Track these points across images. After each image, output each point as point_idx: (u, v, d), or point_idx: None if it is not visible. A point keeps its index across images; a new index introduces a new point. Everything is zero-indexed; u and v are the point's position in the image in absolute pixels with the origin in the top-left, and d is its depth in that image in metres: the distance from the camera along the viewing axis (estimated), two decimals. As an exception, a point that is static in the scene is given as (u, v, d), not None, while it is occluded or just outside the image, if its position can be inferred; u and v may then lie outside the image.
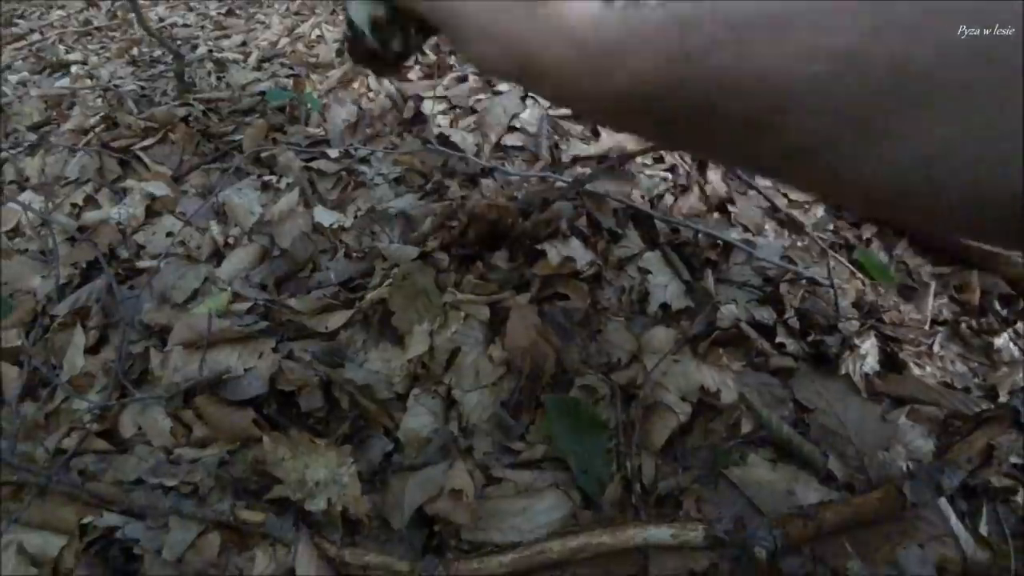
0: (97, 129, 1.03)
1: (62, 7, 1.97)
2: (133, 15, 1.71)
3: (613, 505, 0.48)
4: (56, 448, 0.56)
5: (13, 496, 0.53)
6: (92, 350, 0.64)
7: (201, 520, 0.49)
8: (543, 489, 0.48)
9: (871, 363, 0.59)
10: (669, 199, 0.78)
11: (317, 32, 1.42)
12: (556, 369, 0.56)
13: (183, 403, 0.57)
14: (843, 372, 0.57)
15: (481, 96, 0.98)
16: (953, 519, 0.47)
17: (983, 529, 0.47)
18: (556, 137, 0.88)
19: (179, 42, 1.43)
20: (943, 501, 0.47)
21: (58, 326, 0.65)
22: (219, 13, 1.69)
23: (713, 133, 0.29)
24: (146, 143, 0.95)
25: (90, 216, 0.80)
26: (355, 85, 1.09)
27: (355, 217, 0.75)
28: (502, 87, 0.99)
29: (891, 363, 0.59)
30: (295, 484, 0.48)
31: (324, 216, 0.76)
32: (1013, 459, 0.49)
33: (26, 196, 0.87)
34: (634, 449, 0.51)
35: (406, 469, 0.50)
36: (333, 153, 0.88)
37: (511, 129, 0.90)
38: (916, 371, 0.59)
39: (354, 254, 0.70)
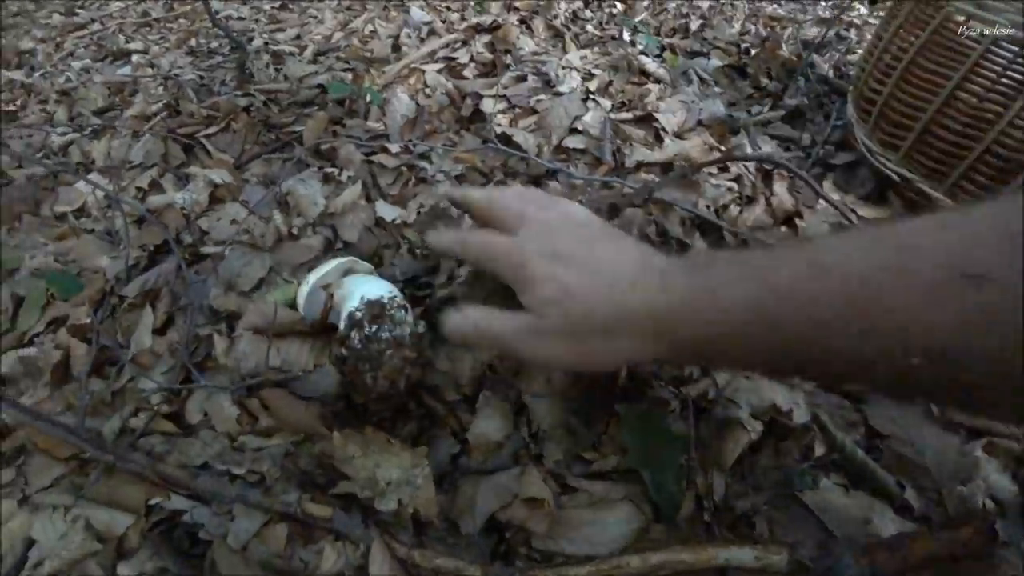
0: (160, 116, 1.04)
1: (120, -3, 2.01)
2: (192, 7, 1.75)
3: (686, 522, 0.47)
4: (122, 427, 0.56)
5: (80, 471, 0.53)
6: (159, 331, 0.64)
7: (267, 510, 0.48)
8: (616, 501, 0.47)
9: (948, 391, 0.57)
10: (734, 210, 0.76)
11: (370, 27, 1.43)
12: (626, 380, 0.55)
13: (247, 392, 0.57)
14: (918, 398, 0.55)
15: (542, 96, 0.97)
16: (1039, 564, 0.45)
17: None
18: (619, 141, 0.87)
19: (235, 34, 1.45)
20: (1031, 543, 0.45)
21: (127, 306, 0.66)
22: (273, 7, 1.72)
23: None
24: (209, 131, 0.96)
25: (155, 200, 0.81)
26: (411, 81, 1.09)
27: (417, 213, 0.75)
28: (562, 88, 0.99)
29: (970, 392, 0.57)
30: (364, 482, 0.48)
31: (386, 211, 0.76)
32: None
33: (92, 178, 0.88)
34: (706, 466, 0.50)
35: (475, 472, 0.50)
36: (393, 148, 0.88)
37: (573, 131, 0.89)
38: (997, 402, 0.56)
39: (418, 251, 0.70)
